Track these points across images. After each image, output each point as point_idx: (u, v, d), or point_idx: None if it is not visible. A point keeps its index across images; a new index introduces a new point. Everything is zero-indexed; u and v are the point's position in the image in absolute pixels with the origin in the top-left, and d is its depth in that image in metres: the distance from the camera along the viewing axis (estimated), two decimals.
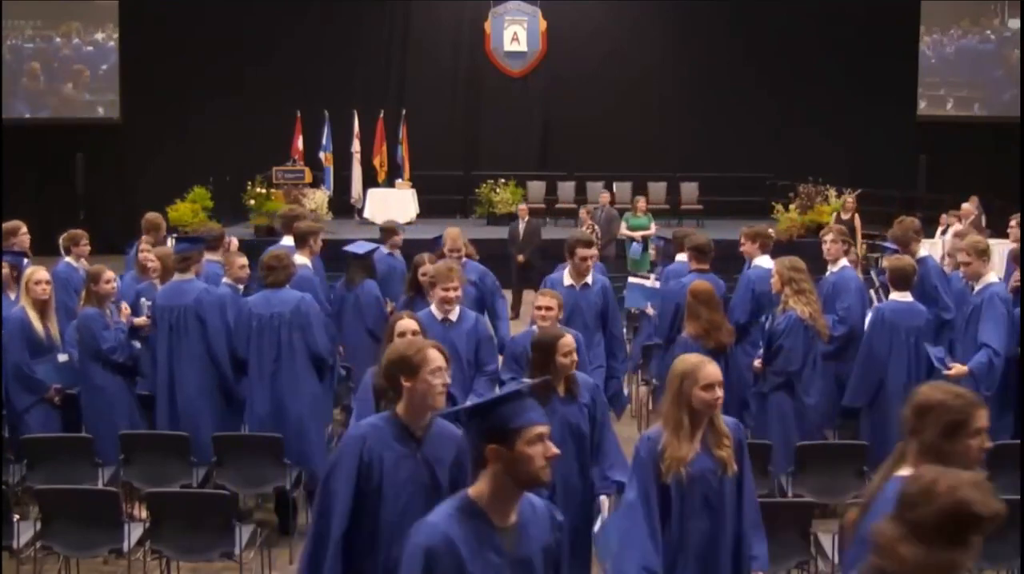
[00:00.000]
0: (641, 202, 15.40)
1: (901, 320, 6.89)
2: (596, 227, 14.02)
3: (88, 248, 8.73)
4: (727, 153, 19.82)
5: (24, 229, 8.48)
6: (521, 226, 14.27)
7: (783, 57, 19.87)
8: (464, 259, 7.99)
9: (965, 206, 14.15)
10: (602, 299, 7.23)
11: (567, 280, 7.26)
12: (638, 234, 14.56)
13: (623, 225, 14.80)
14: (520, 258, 13.88)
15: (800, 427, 6.58)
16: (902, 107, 20.67)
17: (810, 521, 5.29)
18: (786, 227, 16.39)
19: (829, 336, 6.97)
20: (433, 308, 6.36)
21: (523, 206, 15.23)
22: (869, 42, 19.91)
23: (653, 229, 14.55)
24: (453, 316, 6.32)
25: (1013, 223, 8.74)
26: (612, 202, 15.51)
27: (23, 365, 6.74)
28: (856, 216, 14.56)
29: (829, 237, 7.90)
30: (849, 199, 14.94)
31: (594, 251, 7.50)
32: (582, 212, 15.07)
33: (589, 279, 7.25)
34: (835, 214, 15.36)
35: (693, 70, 20.38)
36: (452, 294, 6.28)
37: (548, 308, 6.02)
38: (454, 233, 8.30)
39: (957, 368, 6.65)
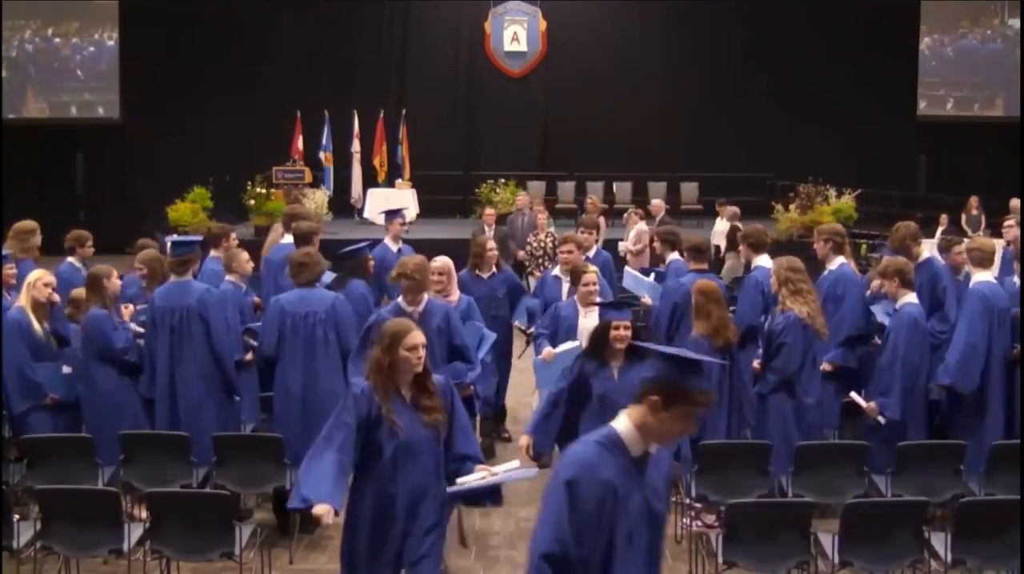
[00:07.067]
0: (539, 204, 14.12)
1: None
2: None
3: (92, 250, 8.74)
4: (727, 153, 19.81)
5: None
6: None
7: (783, 57, 19.88)
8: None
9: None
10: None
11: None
12: None
13: None
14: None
15: (800, 427, 6.58)
16: (902, 107, 20.67)
17: (810, 521, 5.29)
18: (786, 227, 16.39)
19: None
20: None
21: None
22: (869, 42, 19.91)
23: None
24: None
25: (1010, 222, 8.71)
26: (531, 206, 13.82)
27: (25, 367, 6.69)
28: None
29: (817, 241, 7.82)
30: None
31: None
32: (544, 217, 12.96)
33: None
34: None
35: (693, 70, 20.38)
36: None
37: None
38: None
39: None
